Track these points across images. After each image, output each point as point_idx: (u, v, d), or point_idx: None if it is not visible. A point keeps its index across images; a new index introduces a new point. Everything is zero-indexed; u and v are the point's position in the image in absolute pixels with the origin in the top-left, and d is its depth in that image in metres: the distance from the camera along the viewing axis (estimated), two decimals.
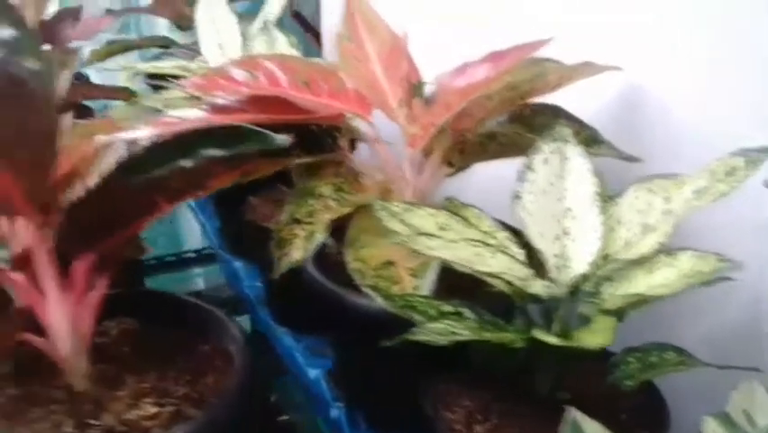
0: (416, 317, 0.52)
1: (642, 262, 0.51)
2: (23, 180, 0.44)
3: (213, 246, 1.17)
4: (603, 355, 0.51)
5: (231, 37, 1.00)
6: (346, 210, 0.64)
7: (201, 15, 1.02)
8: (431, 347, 0.51)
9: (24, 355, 0.55)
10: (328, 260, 0.68)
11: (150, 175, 0.47)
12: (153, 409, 0.53)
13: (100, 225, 0.48)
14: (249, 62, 0.69)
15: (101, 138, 0.52)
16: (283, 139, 0.44)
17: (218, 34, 1.01)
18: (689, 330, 0.60)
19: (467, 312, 0.54)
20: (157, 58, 1.22)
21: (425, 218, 0.55)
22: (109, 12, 1.39)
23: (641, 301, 0.48)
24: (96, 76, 1.31)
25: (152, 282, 1.28)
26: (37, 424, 0.52)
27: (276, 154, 0.54)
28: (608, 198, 0.54)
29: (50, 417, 0.52)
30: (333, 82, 0.68)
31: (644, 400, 0.54)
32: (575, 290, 0.52)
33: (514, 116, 0.67)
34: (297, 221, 0.64)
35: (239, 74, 0.68)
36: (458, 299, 0.53)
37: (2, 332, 0.49)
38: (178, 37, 1.44)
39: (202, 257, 1.44)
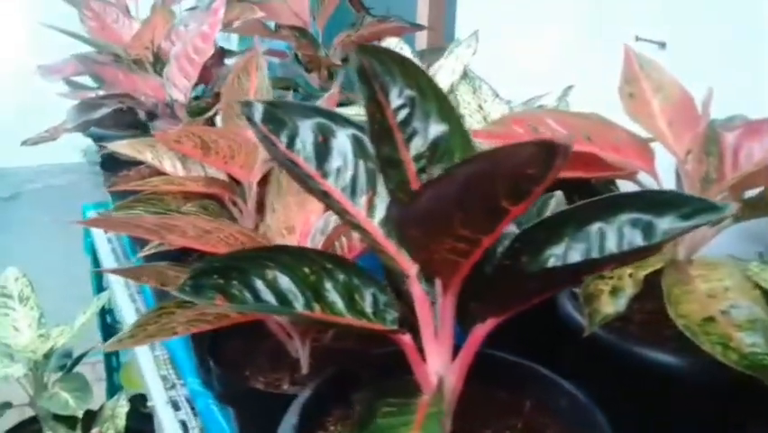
0: None
1: None
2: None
3: None
4: None
5: None
6: (656, 266, 0.64)
7: None
8: None
9: None
10: None
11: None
12: None
13: (507, 298, 0.48)
14: (531, 117, 0.70)
15: None
16: (729, 207, 0.44)
17: None
18: None
19: None
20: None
21: None
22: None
23: None
24: None
25: None
26: None
27: None
28: None
29: None
30: (614, 136, 0.69)
31: None
32: None
33: None
34: (601, 276, 0.65)
35: (520, 129, 0.69)
36: None
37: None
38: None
39: None
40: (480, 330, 0.50)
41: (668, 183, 0.70)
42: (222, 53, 1.27)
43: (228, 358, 0.70)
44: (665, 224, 0.46)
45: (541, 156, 0.32)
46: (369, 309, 0.50)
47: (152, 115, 0.97)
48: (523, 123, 0.69)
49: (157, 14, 1.05)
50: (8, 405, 1.45)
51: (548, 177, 0.34)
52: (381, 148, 0.49)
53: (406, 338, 0.50)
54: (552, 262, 0.48)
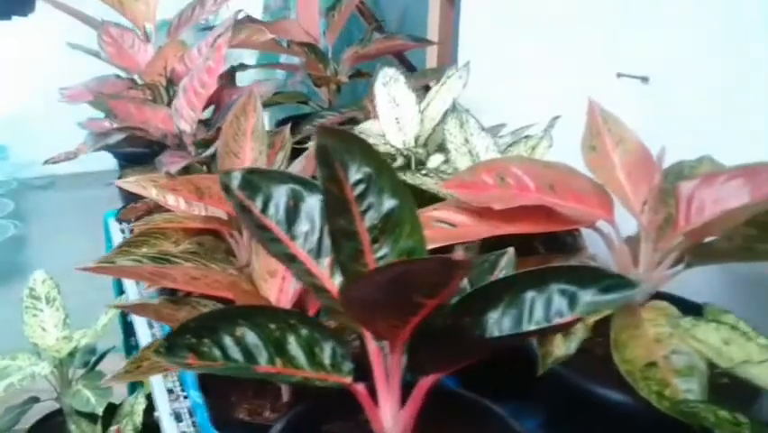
0: (704, 423, 0.58)
1: None
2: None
3: None
4: None
5: (409, 113, 1.06)
6: (606, 312, 0.69)
7: (379, 90, 1.08)
8: None
9: None
10: None
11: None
12: None
13: (449, 357, 0.53)
14: (499, 166, 0.75)
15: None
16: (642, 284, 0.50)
17: (396, 109, 1.07)
18: None
19: (740, 417, 0.59)
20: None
21: (710, 333, 0.61)
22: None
23: None
24: None
25: None
26: None
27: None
28: None
29: None
30: (577, 185, 0.74)
31: None
32: None
33: (748, 221, 0.72)
34: None
35: (488, 179, 0.74)
36: None
37: None
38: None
39: None
40: (426, 382, 0.56)
41: (629, 230, 0.75)
42: (233, 72, 1.33)
43: (217, 386, 0.77)
44: (588, 296, 0.51)
45: (441, 270, 0.38)
46: (327, 361, 0.57)
47: (161, 145, 1.04)
48: (492, 172, 0.75)
49: (168, 46, 1.12)
50: (35, 399, 1.55)
51: (452, 282, 0.39)
52: (337, 221, 0.55)
53: (360, 387, 0.57)
54: (490, 325, 0.54)
